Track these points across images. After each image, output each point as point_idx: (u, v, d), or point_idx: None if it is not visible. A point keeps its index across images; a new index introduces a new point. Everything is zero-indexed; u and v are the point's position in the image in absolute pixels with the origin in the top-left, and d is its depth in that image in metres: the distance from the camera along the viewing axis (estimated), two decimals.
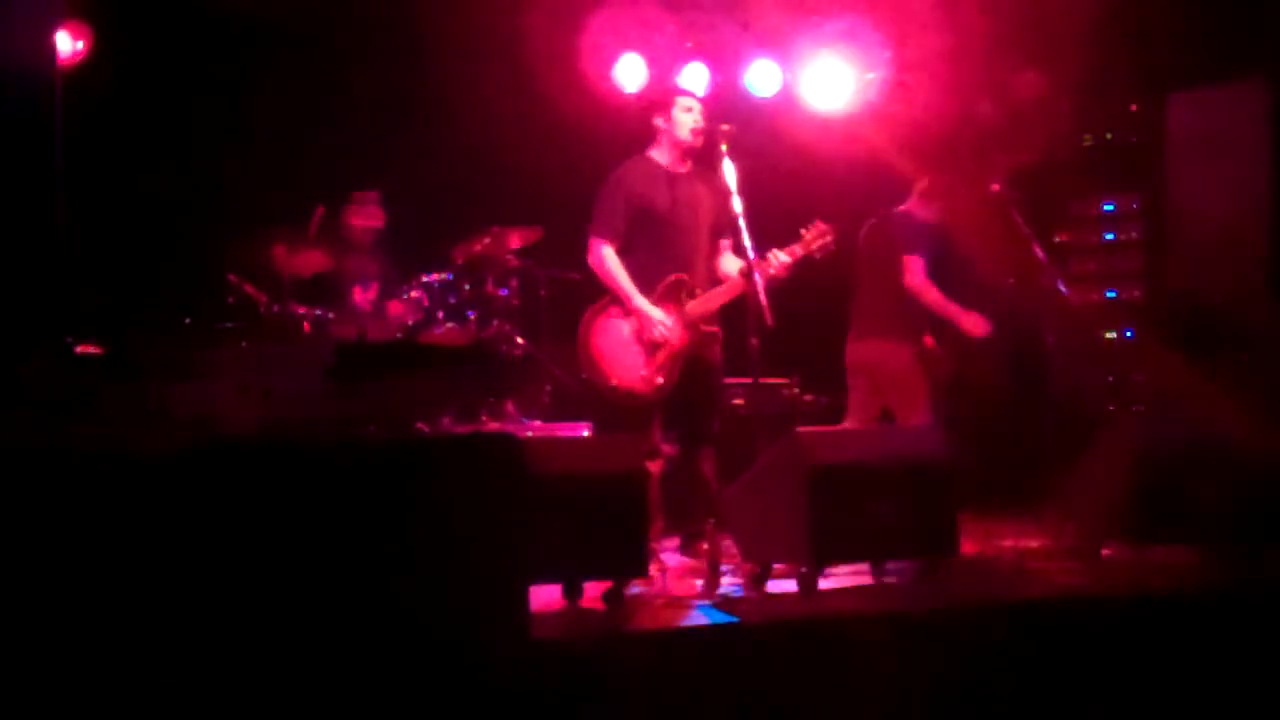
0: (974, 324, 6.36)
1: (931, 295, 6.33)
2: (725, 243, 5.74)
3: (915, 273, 6.33)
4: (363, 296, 7.22)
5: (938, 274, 6.39)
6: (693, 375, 5.56)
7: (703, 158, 5.67)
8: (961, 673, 4.31)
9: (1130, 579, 5.16)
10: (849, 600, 4.81)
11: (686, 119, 5.61)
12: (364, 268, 7.27)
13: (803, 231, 5.52)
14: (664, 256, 5.58)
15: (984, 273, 6.70)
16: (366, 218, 7.32)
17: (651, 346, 5.51)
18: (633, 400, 5.49)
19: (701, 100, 5.72)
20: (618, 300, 5.57)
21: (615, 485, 4.63)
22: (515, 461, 3.90)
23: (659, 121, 5.68)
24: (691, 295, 5.57)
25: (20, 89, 6.34)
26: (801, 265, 5.48)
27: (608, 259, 5.59)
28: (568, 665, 3.93)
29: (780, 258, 5.42)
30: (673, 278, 5.56)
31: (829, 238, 5.51)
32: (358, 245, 7.30)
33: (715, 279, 5.68)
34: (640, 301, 5.52)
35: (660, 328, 5.48)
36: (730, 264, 5.70)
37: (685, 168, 5.71)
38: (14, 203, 6.34)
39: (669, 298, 5.56)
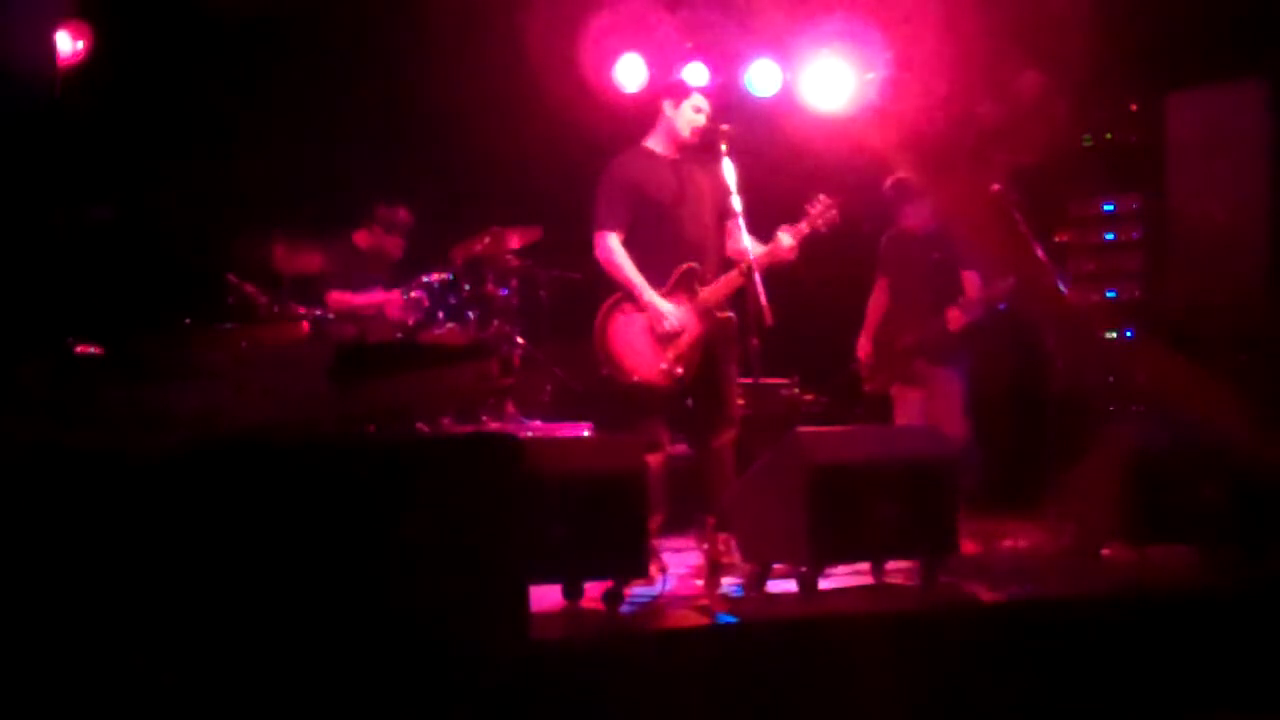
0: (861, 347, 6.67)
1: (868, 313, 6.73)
2: (732, 224, 5.55)
3: (874, 291, 6.72)
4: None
5: (936, 280, 6.41)
6: (711, 362, 5.52)
7: (699, 154, 5.65)
8: (961, 673, 4.31)
9: (1130, 579, 5.17)
10: (849, 600, 4.81)
11: (695, 118, 5.58)
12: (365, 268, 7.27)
13: (807, 207, 5.50)
14: (673, 244, 5.52)
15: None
16: (387, 234, 7.26)
17: (666, 339, 5.47)
18: (653, 393, 5.46)
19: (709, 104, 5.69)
20: (630, 295, 5.55)
21: (615, 485, 4.62)
22: (515, 461, 3.90)
23: (668, 105, 5.64)
24: (703, 282, 5.50)
25: (20, 89, 6.33)
26: (810, 242, 5.46)
27: (615, 252, 5.51)
28: (568, 665, 3.93)
29: (787, 239, 5.41)
30: (684, 267, 5.49)
31: (833, 210, 5.48)
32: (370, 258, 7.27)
33: (728, 261, 5.59)
34: (650, 296, 5.46)
35: (668, 321, 5.44)
36: (744, 243, 5.62)
37: (681, 156, 5.67)
38: (14, 203, 6.33)
39: (681, 287, 5.50)
